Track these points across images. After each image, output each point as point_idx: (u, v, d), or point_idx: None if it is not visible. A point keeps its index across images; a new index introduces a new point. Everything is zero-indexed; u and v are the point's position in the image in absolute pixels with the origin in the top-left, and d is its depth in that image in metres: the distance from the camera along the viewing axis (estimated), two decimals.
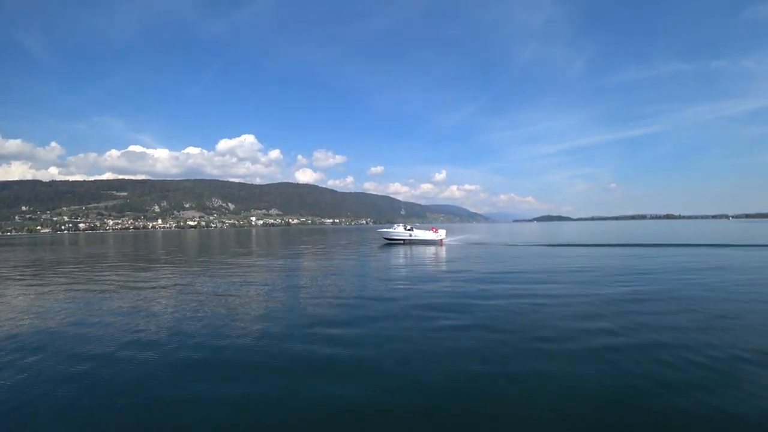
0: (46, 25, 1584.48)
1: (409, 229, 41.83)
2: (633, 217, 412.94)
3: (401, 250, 32.67)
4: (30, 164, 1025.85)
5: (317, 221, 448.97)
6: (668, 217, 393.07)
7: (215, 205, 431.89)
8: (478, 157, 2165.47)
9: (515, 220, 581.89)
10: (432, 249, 33.31)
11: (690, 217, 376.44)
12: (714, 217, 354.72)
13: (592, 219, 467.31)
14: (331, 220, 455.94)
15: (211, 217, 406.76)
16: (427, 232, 41.33)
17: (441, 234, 40.55)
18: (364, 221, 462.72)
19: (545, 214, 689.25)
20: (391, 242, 41.53)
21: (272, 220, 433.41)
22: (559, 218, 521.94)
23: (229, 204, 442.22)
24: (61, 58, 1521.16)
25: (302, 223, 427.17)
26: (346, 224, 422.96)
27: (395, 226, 44.45)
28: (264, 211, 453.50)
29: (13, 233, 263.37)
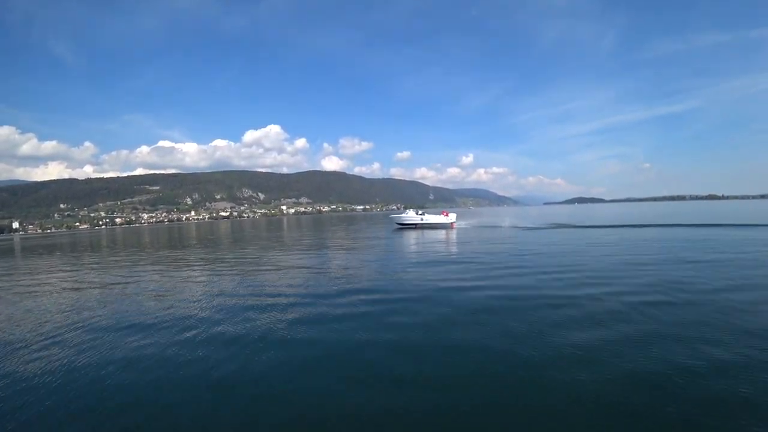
0: (75, 32, 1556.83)
1: (420, 214, 42.88)
2: (673, 198, 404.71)
3: (413, 235, 33.63)
4: (66, 164, 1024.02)
5: (348, 208, 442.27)
6: (710, 197, 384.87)
7: (245, 196, 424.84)
8: (505, 139, 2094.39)
9: (546, 203, 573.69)
10: (443, 232, 34.34)
11: (734, 198, 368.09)
12: (763, 196, 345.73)
13: (627, 200, 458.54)
14: (362, 207, 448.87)
15: (242, 207, 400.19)
16: (438, 216, 42.15)
17: (452, 217, 41.70)
18: (394, 207, 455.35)
19: (576, 196, 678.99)
20: (404, 227, 42.19)
21: (303, 209, 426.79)
22: (592, 200, 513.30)
23: (259, 194, 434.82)
24: (90, 61, 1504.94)
25: (333, 211, 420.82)
26: (376, 210, 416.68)
27: (407, 211, 45.27)
28: (294, 199, 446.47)
29: (53, 230, 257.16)
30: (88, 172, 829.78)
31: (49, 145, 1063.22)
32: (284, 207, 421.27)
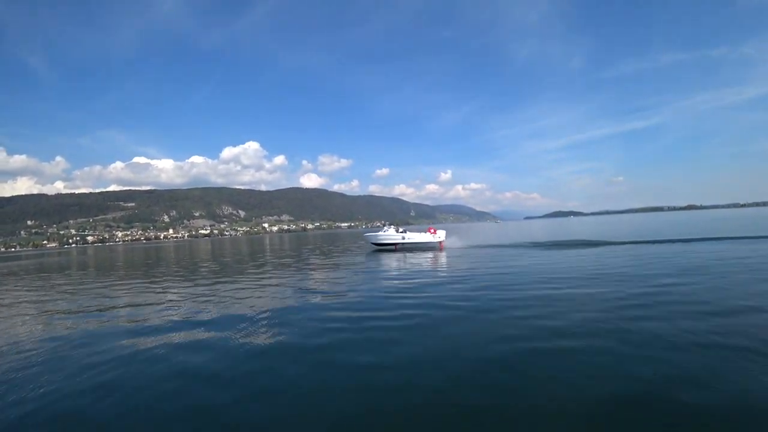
0: (48, 44, 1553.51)
1: (401, 232, 36.07)
2: (652, 209, 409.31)
3: (393, 259, 25.42)
4: (35, 179, 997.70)
5: (333, 226, 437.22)
6: (690, 207, 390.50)
7: (225, 213, 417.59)
8: (481, 155, 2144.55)
9: (526, 218, 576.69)
10: (430, 255, 27.46)
11: (711, 207, 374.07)
12: (736, 205, 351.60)
13: (606, 213, 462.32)
14: (347, 225, 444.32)
15: (222, 225, 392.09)
16: (423, 234, 35.76)
17: (440, 236, 34.92)
18: (378, 223, 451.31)
19: (553, 210, 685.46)
20: (381, 248, 35.21)
21: (285, 226, 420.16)
22: (571, 213, 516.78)
23: (240, 211, 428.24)
24: (64, 75, 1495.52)
25: (318, 228, 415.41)
26: (361, 228, 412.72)
27: (385, 228, 38.01)
28: (275, 217, 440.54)
29: (18, 249, 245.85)
30: (58, 188, 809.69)
31: (18, 160, 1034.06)
32: (266, 224, 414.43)
